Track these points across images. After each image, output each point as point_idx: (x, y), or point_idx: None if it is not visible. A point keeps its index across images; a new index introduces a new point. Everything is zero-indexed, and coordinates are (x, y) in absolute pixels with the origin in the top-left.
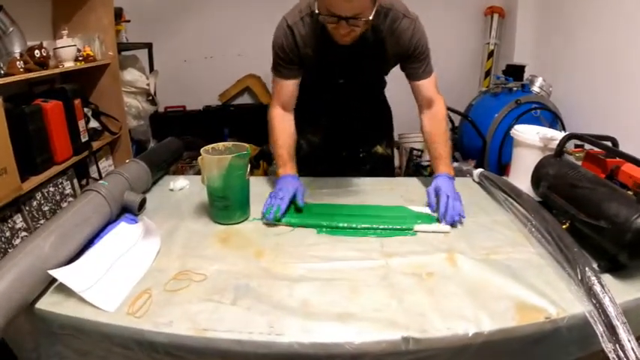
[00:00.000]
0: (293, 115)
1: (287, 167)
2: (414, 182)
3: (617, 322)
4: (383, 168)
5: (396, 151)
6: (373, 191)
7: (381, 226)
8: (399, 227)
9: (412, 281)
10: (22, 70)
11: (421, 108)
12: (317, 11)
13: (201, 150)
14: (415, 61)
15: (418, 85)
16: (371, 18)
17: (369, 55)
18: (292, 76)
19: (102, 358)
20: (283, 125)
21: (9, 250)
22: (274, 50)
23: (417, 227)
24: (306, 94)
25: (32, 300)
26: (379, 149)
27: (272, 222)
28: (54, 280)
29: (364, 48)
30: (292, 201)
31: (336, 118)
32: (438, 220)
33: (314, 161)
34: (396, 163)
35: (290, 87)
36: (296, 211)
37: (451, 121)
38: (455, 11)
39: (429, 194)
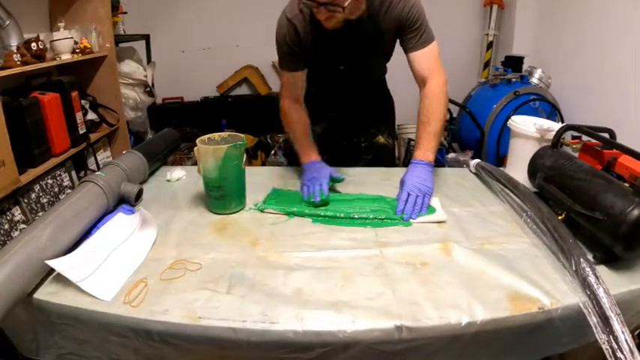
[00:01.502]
0: (303, 105)
1: (311, 155)
2: None
3: (611, 314)
4: (384, 158)
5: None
6: (370, 181)
7: (378, 216)
8: (395, 218)
9: (406, 270)
10: (19, 63)
11: (418, 85)
12: None
13: (197, 140)
14: (409, 31)
15: (413, 57)
16: (346, 4)
17: (366, 37)
18: (299, 68)
19: (99, 347)
20: (297, 116)
21: (8, 243)
22: (278, 45)
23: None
24: (309, 84)
25: (30, 290)
26: (381, 139)
27: (319, 203)
28: (52, 270)
29: (360, 31)
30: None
31: (338, 107)
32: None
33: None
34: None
35: (298, 79)
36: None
37: (449, 111)
38: (454, 2)
39: (399, 186)
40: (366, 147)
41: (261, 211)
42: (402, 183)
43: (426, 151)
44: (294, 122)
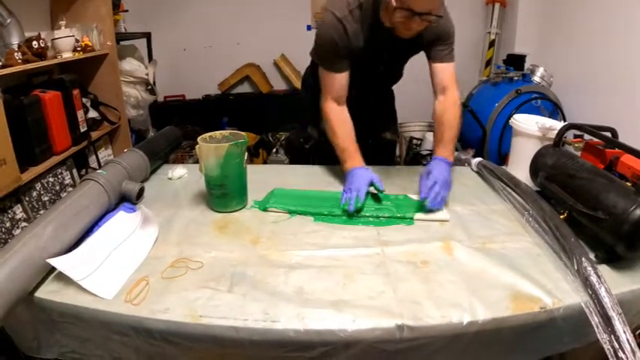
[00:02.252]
0: (346, 108)
1: (355, 160)
2: (412, 171)
3: (612, 313)
4: (389, 154)
5: None
6: None
7: (380, 215)
8: (398, 216)
9: (407, 269)
10: (20, 61)
11: (436, 93)
12: (394, 4)
13: (199, 139)
14: (443, 43)
15: (440, 67)
16: (441, 14)
17: (409, 44)
18: (344, 69)
19: (101, 345)
20: (342, 118)
21: (9, 241)
22: (324, 45)
23: (417, 216)
24: None
25: (31, 289)
26: (387, 135)
27: (352, 213)
28: (53, 268)
29: (407, 40)
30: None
31: (350, 108)
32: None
33: (325, 150)
34: (397, 151)
35: (343, 80)
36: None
37: None
38: (456, 0)
39: (421, 178)
40: (373, 144)
41: (265, 210)
42: (428, 172)
43: (448, 151)
44: (339, 126)
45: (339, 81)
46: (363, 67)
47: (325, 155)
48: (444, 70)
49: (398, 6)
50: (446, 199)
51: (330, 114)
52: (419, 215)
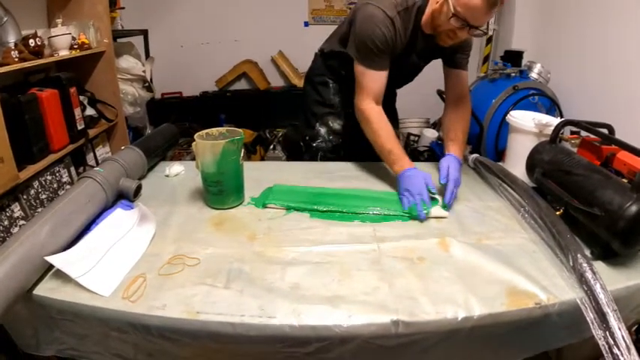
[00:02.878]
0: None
1: (404, 161)
2: None
3: (607, 310)
4: None
5: None
6: (370, 176)
7: (377, 211)
8: (398, 213)
9: (403, 265)
10: (16, 59)
11: (450, 98)
12: (452, 11)
13: (195, 136)
14: (464, 51)
15: (458, 74)
16: (486, 30)
17: (436, 49)
18: (385, 67)
19: (99, 342)
20: (383, 119)
21: (7, 239)
22: (370, 41)
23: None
24: (346, 83)
25: (30, 286)
26: None
27: (424, 218)
28: (51, 266)
29: (436, 46)
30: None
31: None
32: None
33: (332, 148)
34: None
35: (383, 78)
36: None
37: None
38: None
39: (442, 167)
40: None
41: (264, 206)
42: (448, 174)
43: (460, 150)
44: (382, 127)
45: (380, 79)
46: (390, 70)
47: (334, 154)
48: (462, 77)
49: (455, 14)
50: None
51: (371, 115)
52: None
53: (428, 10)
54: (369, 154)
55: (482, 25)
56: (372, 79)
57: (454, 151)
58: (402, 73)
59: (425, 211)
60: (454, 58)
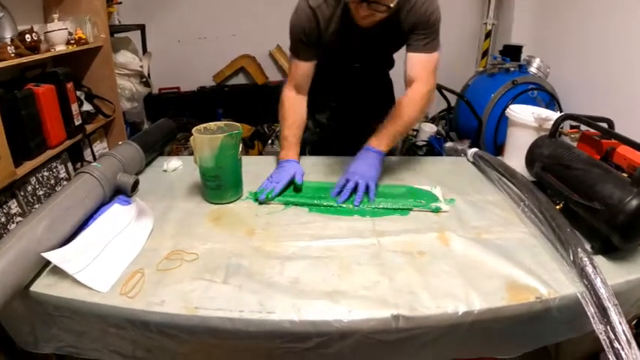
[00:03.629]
0: (306, 98)
1: (290, 152)
2: (408, 161)
3: (608, 304)
4: None
5: None
6: None
7: (380, 206)
8: (397, 207)
9: (403, 260)
10: (13, 55)
11: (405, 85)
12: None
13: (193, 130)
14: (420, 32)
15: (410, 57)
16: (392, 5)
17: (387, 38)
18: (310, 58)
19: (97, 339)
20: (295, 108)
21: (4, 236)
22: (293, 31)
23: (415, 209)
24: (318, 76)
25: (27, 283)
26: None
27: (263, 201)
28: (48, 262)
29: (383, 30)
30: (290, 183)
31: (345, 98)
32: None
33: (320, 141)
34: None
35: (306, 69)
36: (294, 190)
37: (447, 100)
38: None
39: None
40: (371, 134)
41: (265, 201)
42: (348, 169)
43: (381, 141)
44: (289, 113)
45: (302, 69)
46: (337, 58)
47: (319, 146)
48: (415, 61)
49: None
50: (373, 191)
51: (286, 100)
52: (417, 208)
53: None
54: (357, 147)
55: None
56: (295, 68)
57: (371, 142)
58: (354, 60)
59: (264, 197)
60: (409, 39)
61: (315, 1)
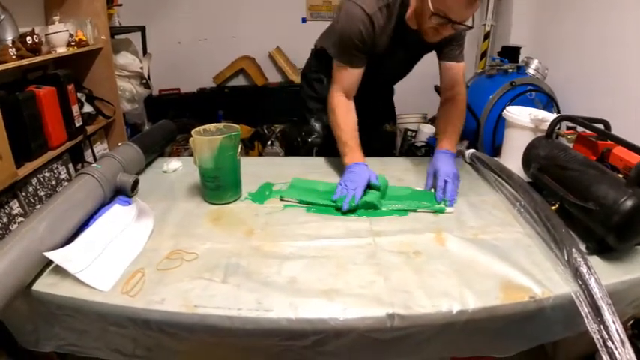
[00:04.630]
0: (354, 103)
1: (355, 154)
2: (408, 162)
3: (602, 304)
4: (389, 145)
5: None
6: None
7: (398, 206)
8: (405, 209)
9: (399, 259)
10: (14, 57)
11: (442, 91)
12: (431, 10)
13: (193, 132)
14: (456, 44)
15: (451, 66)
16: (471, 25)
17: (425, 50)
18: (361, 64)
19: (98, 337)
20: (348, 112)
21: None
22: (347, 38)
23: (419, 210)
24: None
25: (29, 282)
26: (388, 127)
27: (346, 211)
28: (50, 262)
29: (426, 43)
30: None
31: (357, 100)
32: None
33: (327, 143)
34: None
35: (357, 75)
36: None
37: None
38: None
39: (428, 176)
40: (375, 136)
41: (281, 198)
42: (436, 171)
43: (451, 143)
44: (343, 118)
45: (353, 76)
46: (378, 65)
47: (329, 149)
48: (456, 69)
49: (435, 12)
50: (456, 194)
51: (337, 107)
52: (420, 210)
53: (411, 7)
54: (363, 149)
55: (466, 19)
56: (345, 75)
57: (444, 145)
58: (392, 69)
59: (347, 206)
60: (445, 50)
61: (371, 9)
